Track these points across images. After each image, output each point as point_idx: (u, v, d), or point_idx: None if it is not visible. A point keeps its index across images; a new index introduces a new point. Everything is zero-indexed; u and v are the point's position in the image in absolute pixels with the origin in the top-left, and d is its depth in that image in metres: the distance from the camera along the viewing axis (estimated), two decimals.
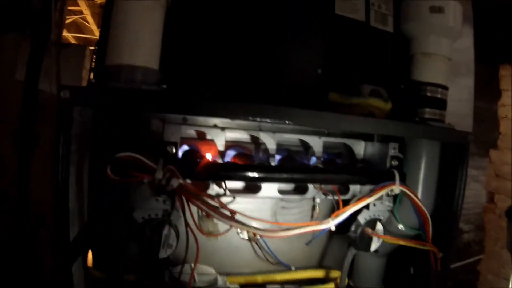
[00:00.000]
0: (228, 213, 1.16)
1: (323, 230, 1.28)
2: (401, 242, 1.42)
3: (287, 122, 1.19)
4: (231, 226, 1.14)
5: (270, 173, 1.24)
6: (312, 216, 1.55)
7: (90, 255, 1.39)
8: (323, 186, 1.44)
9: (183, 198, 1.11)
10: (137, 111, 1.17)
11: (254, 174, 1.19)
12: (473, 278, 4.13)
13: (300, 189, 1.45)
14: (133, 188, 1.15)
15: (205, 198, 1.12)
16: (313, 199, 1.49)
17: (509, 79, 3.80)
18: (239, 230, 1.49)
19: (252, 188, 1.41)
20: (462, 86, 2.26)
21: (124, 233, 1.25)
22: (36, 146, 2.13)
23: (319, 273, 1.60)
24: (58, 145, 1.08)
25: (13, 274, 2.15)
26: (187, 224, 1.12)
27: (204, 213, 1.20)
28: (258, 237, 1.51)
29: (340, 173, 1.41)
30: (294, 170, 1.33)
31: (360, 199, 1.33)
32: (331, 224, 1.26)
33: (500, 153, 3.72)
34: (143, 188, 1.16)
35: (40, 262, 2.20)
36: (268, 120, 1.17)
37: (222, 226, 1.25)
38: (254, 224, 1.18)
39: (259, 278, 1.51)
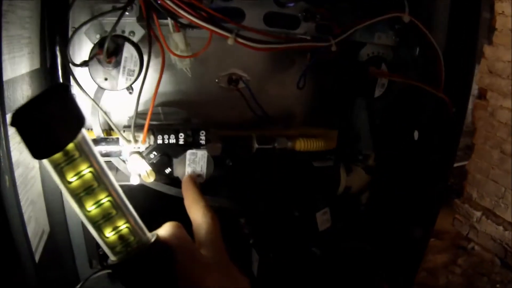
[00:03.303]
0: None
1: (321, 49, 1.05)
2: (411, 81, 1.20)
3: None
4: (209, 32, 0.89)
5: None
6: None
7: None
8: (318, 16, 1.19)
9: None
10: None
11: None
12: (458, 181, 4.08)
13: (290, 22, 1.20)
14: None
15: None
16: (304, 39, 1.25)
17: None
18: (217, 80, 1.27)
19: (234, 16, 1.16)
20: None
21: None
22: None
23: (313, 131, 1.38)
24: None
25: None
26: (150, 35, 0.87)
27: (173, 27, 0.95)
28: (242, 85, 1.28)
29: None
30: None
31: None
32: (332, 42, 1.03)
33: (495, 49, 3.54)
34: None
35: None
36: None
37: (195, 46, 1.00)
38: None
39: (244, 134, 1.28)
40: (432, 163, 1.41)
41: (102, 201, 0.65)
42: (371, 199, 1.54)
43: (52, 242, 1.21)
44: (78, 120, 0.57)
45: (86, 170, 0.61)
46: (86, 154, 0.60)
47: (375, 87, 1.23)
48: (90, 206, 0.64)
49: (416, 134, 1.47)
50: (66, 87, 0.57)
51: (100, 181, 0.63)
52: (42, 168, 1.15)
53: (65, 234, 1.32)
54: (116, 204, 0.67)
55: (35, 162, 1.12)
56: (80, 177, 0.61)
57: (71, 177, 0.61)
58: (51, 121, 0.51)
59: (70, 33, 1.02)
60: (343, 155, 1.31)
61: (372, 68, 1.21)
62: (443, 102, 1.28)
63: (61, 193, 1.28)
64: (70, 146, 0.57)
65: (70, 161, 0.59)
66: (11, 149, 0.93)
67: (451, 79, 1.30)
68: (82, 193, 0.62)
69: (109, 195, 0.65)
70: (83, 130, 0.59)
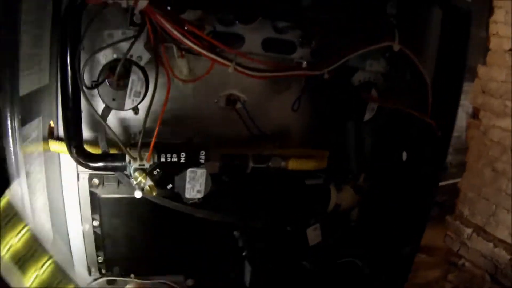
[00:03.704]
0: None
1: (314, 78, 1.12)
2: (399, 107, 1.28)
3: None
4: (211, 61, 0.97)
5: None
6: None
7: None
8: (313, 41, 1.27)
9: (155, 24, 0.92)
10: None
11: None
12: (450, 198, 4.12)
13: (287, 47, 1.28)
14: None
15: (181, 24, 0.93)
16: (300, 63, 1.32)
17: None
18: (216, 100, 1.34)
19: (234, 41, 1.23)
20: None
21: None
22: None
23: (306, 151, 1.45)
24: None
25: None
26: (157, 60, 0.94)
27: (178, 53, 1.02)
28: (239, 105, 1.35)
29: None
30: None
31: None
32: (325, 71, 1.10)
33: (488, 69, 3.60)
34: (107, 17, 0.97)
35: None
36: None
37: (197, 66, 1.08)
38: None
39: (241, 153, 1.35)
40: (419, 182, 1.47)
41: (45, 265, 0.51)
42: (361, 216, 1.61)
43: (54, 249, 1.27)
44: None
45: (24, 230, 0.49)
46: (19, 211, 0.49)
47: (365, 111, 1.30)
48: (34, 273, 0.49)
49: (404, 155, 1.54)
50: None
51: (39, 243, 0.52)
52: (48, 181, 1.22)
53: (66, 242, 1.38)
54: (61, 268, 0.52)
55: (41, 175, 1.19)
56: (20, 238, 0.48)
57: (9, 240, 0.48)
58: None
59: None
60: (333, 174, 1.38)
61: (362, 93, 1.27)
62: (430, 126, 1.35)
63: (63, 204, 1.35)
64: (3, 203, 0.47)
65: (7, 221, 0.47)
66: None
67: (439, 104, 1.37)
68: (24, 258, 0.48)
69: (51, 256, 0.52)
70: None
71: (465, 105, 4.21)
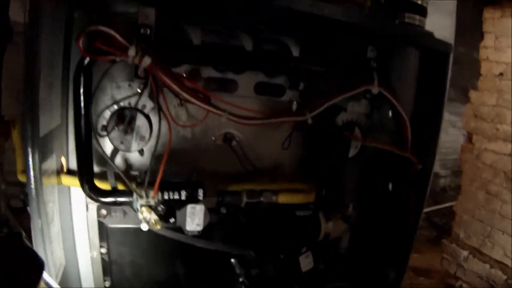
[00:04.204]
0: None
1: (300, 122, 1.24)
2: (380, 145, 1.39)
3: None
4: (206, 111, 1.10)
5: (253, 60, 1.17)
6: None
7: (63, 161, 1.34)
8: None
9: (157, 78, 1.06)
10: None
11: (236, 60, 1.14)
12: (448, 221, 4.20)
13: (277, 90, 1.40)
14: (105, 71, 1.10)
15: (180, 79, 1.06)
16: (290, 104, 1.45)
17: (492, 22, 3.75)
18: (214, 138, 1.46)
19: (228, 86, 1.36)
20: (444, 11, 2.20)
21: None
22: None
23: (296, 185, 1.56)
24: None
25: None
26: (159, 109, 1.07)
27: (177, 102, 1.15)
28: (234, 143, 1.47)
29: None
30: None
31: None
32: (308, 116, 1.23)
33: (480, 94, 3.70)
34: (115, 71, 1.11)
35: None
36: None
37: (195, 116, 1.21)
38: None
39: (236, 187, 1.46)
40: (404, 210, 1.58)
41: None
42: (351, 243, 1.71)
43: (65, 274, 1.37)
44: (37, 265, 0.55)
45: None
46: None
47: (349, 148, 1.42)
48: None
49: (390, 186, 1.66)
50: (19, 235, 0.55)
51: None
52: (60, 210, 1.33)
53: (75, 267, 1.48)
54: None
55: (55, 206, 1.30)
56: None
57: None
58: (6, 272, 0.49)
59: None
60: (321, 206, 1.49)
61: (346, 132, 1.39)
62: (411, 160, 1.47)
63: (73, 232, 1.46)
64: None
65: None
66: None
67: (419, 138, 1.48)
68: None
69: None
70: (45, 275, 0.57)
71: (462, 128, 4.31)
